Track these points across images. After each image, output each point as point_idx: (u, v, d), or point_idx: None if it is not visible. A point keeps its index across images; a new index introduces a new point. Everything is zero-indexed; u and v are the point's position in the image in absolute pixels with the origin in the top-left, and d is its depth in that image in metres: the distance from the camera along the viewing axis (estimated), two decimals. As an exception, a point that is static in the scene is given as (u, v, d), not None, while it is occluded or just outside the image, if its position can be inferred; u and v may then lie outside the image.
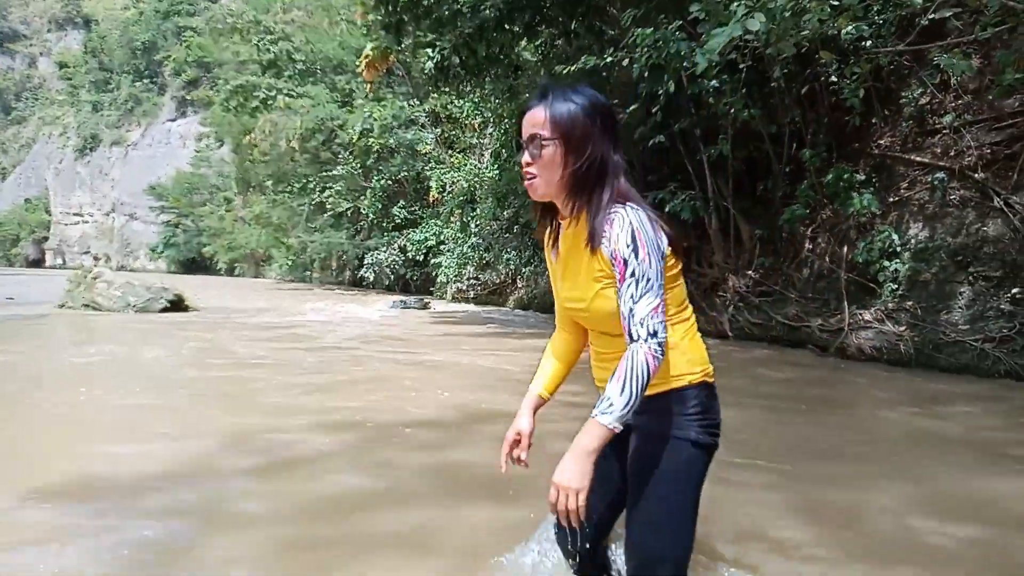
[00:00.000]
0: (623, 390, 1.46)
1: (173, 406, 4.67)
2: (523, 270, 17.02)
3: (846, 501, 3.12)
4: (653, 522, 1.64)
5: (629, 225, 1.53)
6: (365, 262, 27.17)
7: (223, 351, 7.77)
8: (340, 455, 3.60)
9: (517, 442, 1.87)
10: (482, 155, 19.97)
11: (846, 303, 8.90)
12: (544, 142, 1.58)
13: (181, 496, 2.95)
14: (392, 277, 26.83)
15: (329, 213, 30.05)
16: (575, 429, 1.50)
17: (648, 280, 1.51)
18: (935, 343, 7.75)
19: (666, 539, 1.63)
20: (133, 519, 2.67)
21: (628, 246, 1.51)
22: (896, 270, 8.34)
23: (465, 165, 18.94)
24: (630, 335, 1.51)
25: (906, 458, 3.94)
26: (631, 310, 1.51)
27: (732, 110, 9.17)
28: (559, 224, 1.74)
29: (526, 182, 1.64)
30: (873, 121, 9.36)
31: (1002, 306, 7.47)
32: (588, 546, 1.84)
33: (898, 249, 8.43)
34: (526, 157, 1.61)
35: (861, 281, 8.84)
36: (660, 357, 1.48)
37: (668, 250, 1.61)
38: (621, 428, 1.48)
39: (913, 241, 8.42)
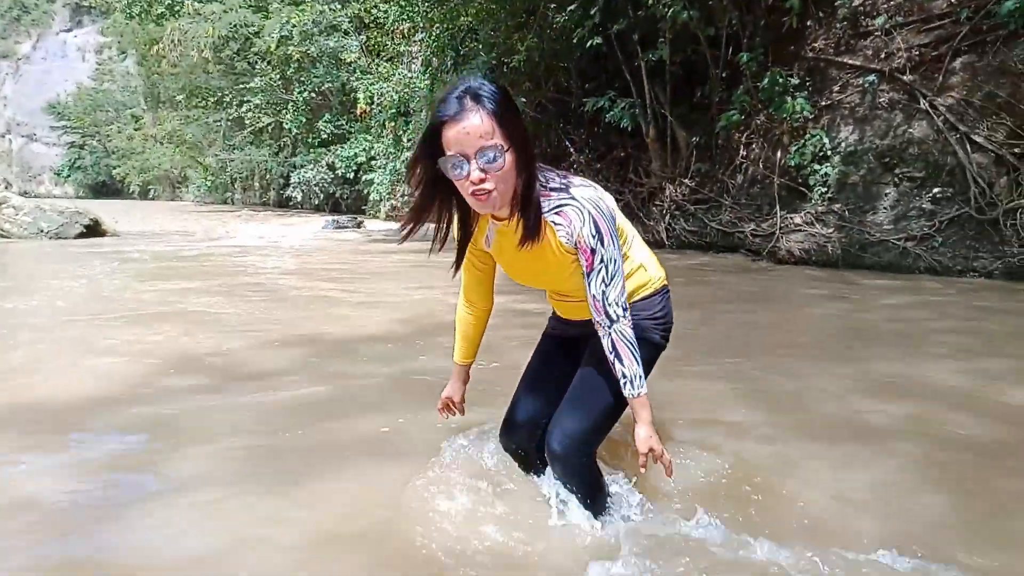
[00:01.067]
0: (635, 362, 1.64)
1: (115, 330, 4.40)
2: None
3: (791, 387, 3.27)
4: (593, 413, 1.76)
5: (589, 215, 1.56)
6: (291, 181, 26.07)
7: (155, 275, 7.40)
8: (295, 370, 3.50)
9: (449, 406, 2.07)
10: (411, 64, 19.10)
11: (778, 208, 9.13)
12: (504, 151, 1.44)
13: (138, 413, 2.81)
14: (321, 196, 25.91)
15: (248, 129, 28.38)
16: (526, 335, 1.63)
17: (615, 262, 1.60)
18: (861, 243, 8.09)
19: (599, 428, 1.79)
20: (94, 437, 2.56)
21: (594, 236, 1.56)
22: (826, 173, 8.57)
23: (394, 75, 18.08)
24: (607, 316, 1.62)
25: (841, 347, 4.13)
26: (604, 294, 1.61)
27: (670, 11, 8.98)
28: (474, 219, 1.70)
29: (480, 198, 1.48)
30: (808, 24, 9.36)
31: (923, 205, 7.82)
32: (533, 445, 1.96)
33: (828, 153, 8.64)
34: (476, 174, 1.44)
35: (793, 186, 9.07)
36: (627, 323, 1.64)
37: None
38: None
39: (843, 144, 8.63)
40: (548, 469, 1.91)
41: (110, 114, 56.44)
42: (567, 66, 12.25)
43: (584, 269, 1.61)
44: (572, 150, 12.72)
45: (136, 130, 49.93)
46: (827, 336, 4.51)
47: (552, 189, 1.58)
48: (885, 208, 8.10)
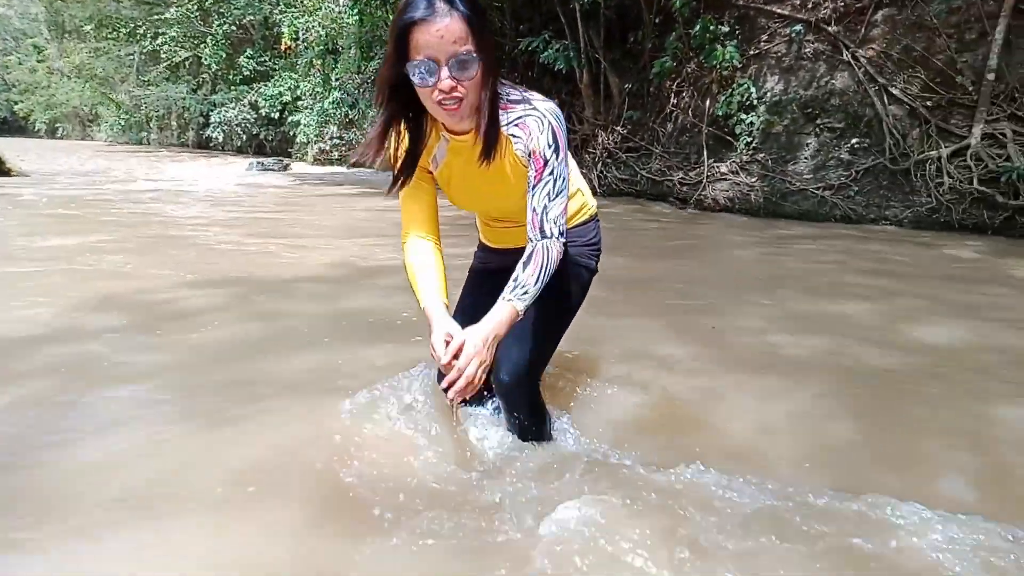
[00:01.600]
0: (538, 280, 1.53)
1: (26, 274, 4.14)
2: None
3: (715, 324, 3.39)
4: (536, 342, 1.74)
5: (549, 125, 1.51)
6: (211, 120, 24.74)
7: (70, 217, 6.96)
8: (224, 308, 3.38)
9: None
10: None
11: (706, 157, 9.33)
12: (477, 59, 1.37)
13: (56, 354, 2.67)
14: (244, 137, 24.70)
15: (164, 64, 26.70)
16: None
17: (563, 179, 1.55)
18: (782, 192, 8.39)
19: (543, 356, 1.81)
20: (8, 381, 2.41)
21: (550, 146, 1.51)
22: (752, 123, 8.77)
23: (320, 9, 17.27)
24: (542, 231, 1.54)
25: (761, 288, 4.31)
26: (546, 207, 1.54)
27: (605, -47, 8.88)
28: (428, 134, 1.62)
29: (448, 108, 1.41)
30: (740, -29, 9.43)
31: (842, 156, 8.13)
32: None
33: (755, 102, 8.83)
34: (447, 82, 1.37)
35: (720, 135, 9.25)
36: (562, 251, 1.57)
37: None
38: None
39: (768, 94, 8.83)
40: (485, 402, 1.95)
41: (8, 43, 51.74)
42: (501, 6, 11.99)
43: (531, 181, 1.55)
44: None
45: (39, 62, 46.07)
46: (749, 278, 4.70)
47: (512, 101, 1.54)
48: (806, 158, 8.39)
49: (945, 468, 1.95)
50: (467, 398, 1.77)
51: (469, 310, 1.93)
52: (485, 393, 1.95)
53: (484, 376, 1.50)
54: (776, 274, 4.78)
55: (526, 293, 1.53)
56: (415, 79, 1.39)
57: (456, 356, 1.48)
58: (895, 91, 7.77)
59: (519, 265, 1.55)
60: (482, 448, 1.86)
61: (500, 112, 1.51)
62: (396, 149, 1.64)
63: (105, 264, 4.46)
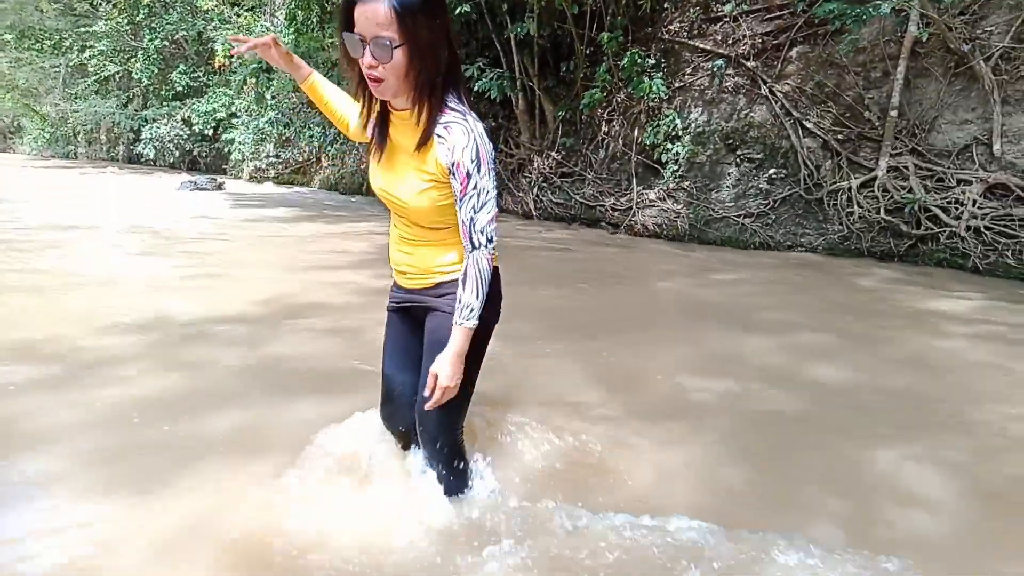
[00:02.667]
0: (477, 294, 1.70)
1: None
2: (328, 148, 16.11)
3: (631, 366, 3.56)
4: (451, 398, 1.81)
5: (473, 141, 1.60)
6: (143, 136, 24.05)
7: None
8: (145, 356, 3.30)
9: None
10: (274, 15, 18.09)
11: (635, 183, 9.66)
12: (393, 46, 1.47)
13: None
14: (177, 153, 24.16)
15: (93, 78, 25.86)
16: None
17: (487, 192, 1.65)
18: (706, 219, 8.75)
19: (450, 416, 1.89)
20: None
21: (472, 161, 1.61)
22: (677, 152, 9.12)
23: (256, 27, 17.09)
24: (471, 242, 1.69)
25: (679, 325, 4.53)
26: (472, 220, 1.66)
27: (536, -14, 9.12)
28: (383, 109, 1.71)
29: (372, 84, 1.55)
30: (665, 6, 9.81)
31: (761, 185, 8.55)
32: (411, 419, 2.00)
33: (680, 133, 9.19)
34: (368, 59, 1.50)
35: (648, 163, 9.59)
36: (493, 255, 1.72)
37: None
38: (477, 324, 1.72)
39: (693, 125, 9.21)
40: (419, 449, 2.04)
41: (-81, 50, 49.11)
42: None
43: (457, 194, 1.65)
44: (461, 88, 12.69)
45: (-47, 71, 43.89)
46: (670, 312, 4.92)
47: (451, 108, 1.63)
48: (728, 187, 8.78)
49: (817, 511, 2.15)
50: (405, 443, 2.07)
51: (392, 350, 2.05)
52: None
53: (451, 395, 1.75)
54: (694, 310, 5.01)
55: (472, 311, 1.70)
56: (347, 48, 1.53)
57: (433, 388, 1.72)
58: (809, 124, 8.23)
59: (459, 285, 1.71)
60: (410, 509, 1.93)
61: (439, 112, 1.62)
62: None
63: (6, 301, 4.29)
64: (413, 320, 1.96)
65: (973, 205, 6.92)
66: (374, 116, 1.74)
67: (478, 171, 1.62)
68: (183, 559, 1.75)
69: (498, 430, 2.52)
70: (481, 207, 1.65)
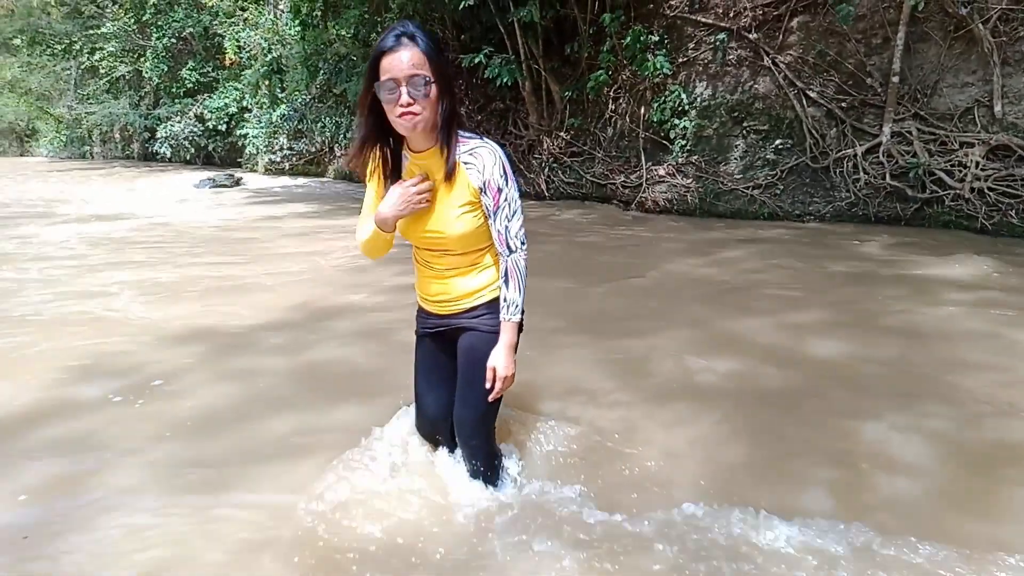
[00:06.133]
0: (520, 291, 1.98)
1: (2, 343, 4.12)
2: (341, 138, 16.35)
3: (640, 350, 3.82)
4: (479, 408, 2.11)
5: (499, 159, 1.87)
6: (158, 135, 24.35)
7: (24, 263, 6.96)
8: (199, 368, 3.60)
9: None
10: (277, 6, 18.26)
11: (644, 160, 9.83)
12: (428, 81, 1.73)
13: (53, 433, 2.87)
14: (192, 150, 24.47)
15: (104, 79, 26.24)
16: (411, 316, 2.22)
17: (516, 201, 1.92)
18: (715, 192, 8.92)
19: (487, 414, 2.16)
20: (14, 462, 2.62)
21: (502, 177, 1.88)
22: (684, 127, 9.28)
23: (261, 21, 17.28)
24: (508, 247, 1.95)
25: (686, 306, 4.76)
26: (507, 228, 1.93)
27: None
28: (393, 156, 1.95)
29: (406, 118, 1.75)
30: (665, -18, 9.89)
31: (768, 156, 8.70)
32: (446, 429, 2.30)
33: (686, 108, 9.33)
34: (405, 98, 1.72)
35: (656, 139, 9.75)
36: (527, 257, 1.98)
37: None
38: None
39: (698, 99, 9.34)
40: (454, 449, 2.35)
41: (-68, 59, 49.77)
42: (442, 18, 12.27)
43: (490, 209, 1.89)
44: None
45: (-33, 78, 44.53)
46: (677, 294, 5.14)
47: (466, 137, 1.90)
48: (735, 159, 8.93)
49: (809, 481, 2.43)
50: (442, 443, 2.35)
51: (424, 373, 2.31)
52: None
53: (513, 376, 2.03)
54: (702, 287, 5.26)
55: (517, 307, 1.98)
56: (381, 94, 1.75)
57: (493, 381, 2.01)
58: (812, 94, 8.34)
59: (502, 286, 1.99)
60: (457, 504, 2.21)
61: (458, 141, 1.88)
62: (369, 160, 2.00)
63: (67, 316, 4.58)
64: (445, 342, 2.20)
65: (976, 167, 7.05)
66: (385, 175, 1.97)
67: (507, 184, 1.89)
68: (252, 559, 2.02)
69: (524, 423, 2.82)
70: (513, 215, 1.92)
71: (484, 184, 1.87)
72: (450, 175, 1.87)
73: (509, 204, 1.90)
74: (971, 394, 3.14)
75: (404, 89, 1.72)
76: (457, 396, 2.16)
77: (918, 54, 7.63)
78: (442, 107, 1.80)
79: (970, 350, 3.70)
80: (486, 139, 1.91)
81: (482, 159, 1.87)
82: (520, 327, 2.06)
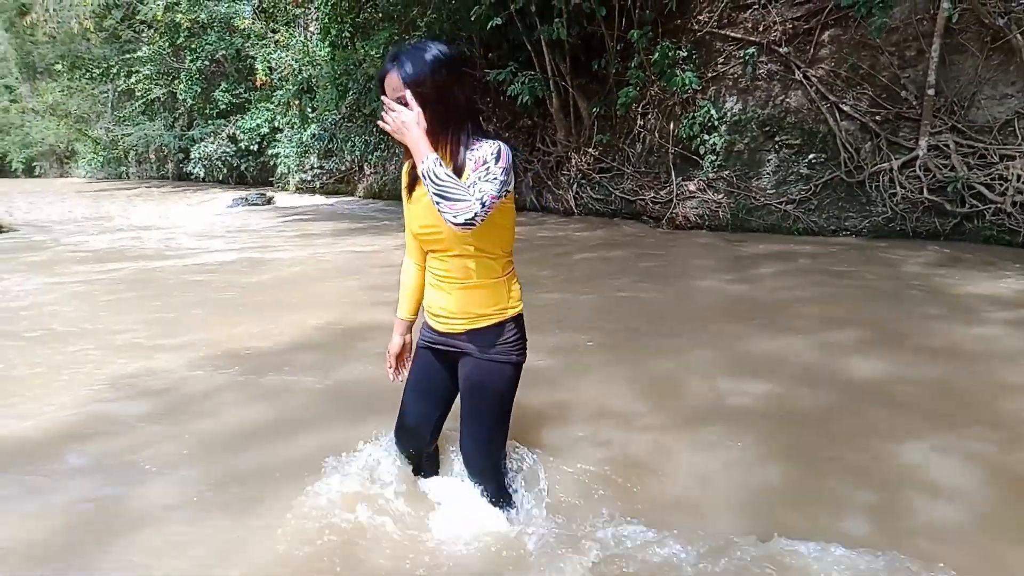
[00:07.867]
0: (448, 181, 1.74)
1: (43, 360, 4.23)
2: (370, 156, 16.55)
3: (671, 371, 3.77)
4: (479, 438, 2.13)
5: (499, 147, 1.85)
6: (192, 156, 24.95)
7: (73, 289, 7.09)
8: (231, 388, 3.66)
9: (396, 367, 2.34)
10: (307, 28, 18.61)
11: (673, 175, 9.75)
12: (405, 104, 1.81)
13: (92, 451, 2.94)
14: (225, 170, 24.99)
15: (140, 101, 26.96)
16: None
17: (496, 178, 1.79)
18: (748, 208, 8.82)
19: (491, 450, 2.17)
20: (53, 481, 2.67)
21: (493, 156, 1.82)
22: (714, 143, 9.20)
23: (291, 42, 17.60)
24: (471, 193, 1.79)
25: (717, 325, 4.68)
26: (476, 183, 1.78)
27: (564, -10, 9.26)
28: (413, 169, 1.99)
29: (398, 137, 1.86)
30: (693, -3, 9.86)
31: (801, 170, 8.57)
32: (425, 447, 2.33)
33: (716, 123, 9.26)
34: (388, 118, 1.85)
35: (686, 154, 9.67)
36: (471, 219, 1.73)
37: (511, 190, 1.96)
38: (423, 166, 1.78)
39: (728, 114, 9.26)
40: (434, 470, 2.39)
41: (-22, 85, 51.71)
42: (470, 36, 12.38)
43: (471, 173, 1.82)
44: (480, 119, 12.93)
45: (12, 102, 46.15)
46: (709, 312, 5.07)
47: (479, 141, 1.89)
48: (768, 174, 8.82)
49: (846, 505, 2.35)
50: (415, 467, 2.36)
51: (415, 382, 2.28)
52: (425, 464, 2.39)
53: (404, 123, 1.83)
54: (734, 305, 5.18)
55: (434, 162, 1.76)
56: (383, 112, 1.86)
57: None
58: (846, 107, 8.22)
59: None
60: (469, 529, 2.17)
61: (466, 145, 1.88)
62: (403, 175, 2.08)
63: (101, 334, 4.70)
64: (441, 360, 2.18)
65: (1018, 180, 6.87)
66: (407, 187, 2.05)
67: (496, 162, 1.83)
68: (285, 574, 2.04)
69: (553, 447, 2.79)
70: (488, 181, 1.78)
71: (475, 164, 1.85)
72: (458, 174, 1.86)
73: (488, 171, 1.80)
74: (1015, 416, 3.04)
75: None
76: (461, 428, 2.17)
77: (954, 66, 7.48)
78: (441, 127, 1.86)
79: (1014, 371, 3.57)
80: (499, 140, 1.91)
81: (482, 149, 1.87)
82: (517, 373, 2.08)
